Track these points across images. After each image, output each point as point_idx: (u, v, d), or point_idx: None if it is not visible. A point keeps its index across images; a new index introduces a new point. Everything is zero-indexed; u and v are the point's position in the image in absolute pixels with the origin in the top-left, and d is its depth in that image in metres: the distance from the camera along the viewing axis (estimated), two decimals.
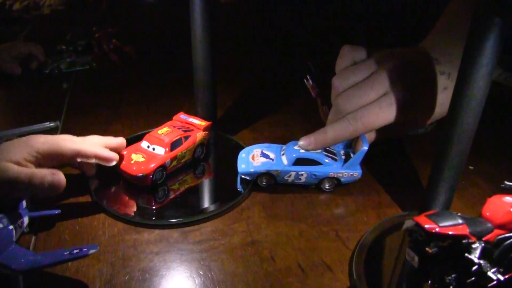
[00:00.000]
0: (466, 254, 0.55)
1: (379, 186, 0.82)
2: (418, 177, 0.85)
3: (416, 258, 0.55)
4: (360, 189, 0.81)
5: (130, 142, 0.83)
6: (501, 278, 0.56)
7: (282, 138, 0.96)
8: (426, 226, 0.53)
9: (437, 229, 0.53)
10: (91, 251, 0.59)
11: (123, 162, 0.79)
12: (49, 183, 0.67)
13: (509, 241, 0.57)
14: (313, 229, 0.72)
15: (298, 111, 1.09)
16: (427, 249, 0.54)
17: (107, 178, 0.81)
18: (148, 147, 0.81)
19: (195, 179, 0.84)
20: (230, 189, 0.80)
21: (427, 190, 0.68)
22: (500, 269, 0.57)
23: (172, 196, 0.78)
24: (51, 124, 0.99)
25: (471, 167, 0.86)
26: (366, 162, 0.80)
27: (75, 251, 0.58)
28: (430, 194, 0.67)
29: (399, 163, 0.90)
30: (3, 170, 0.64)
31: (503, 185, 0.62)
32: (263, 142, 0.88)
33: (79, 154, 0.74)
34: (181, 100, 1.09)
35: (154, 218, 0.74)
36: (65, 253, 0.59)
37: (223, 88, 1.08)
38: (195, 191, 0.81)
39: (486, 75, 0.58)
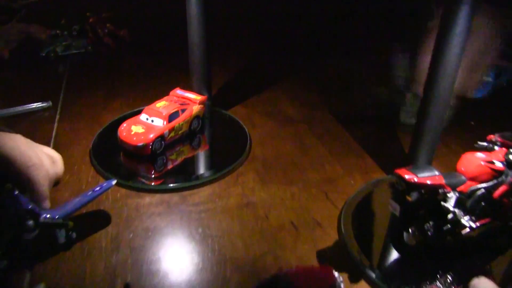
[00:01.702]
0: (443, 203, 0.61)
1: (365, 154, 0.88)
2: (402, 146, 0.90)
3: (398, 207, 0.60)
4: (348, 156, 0.87)
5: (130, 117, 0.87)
6: (473, 225, 0.62)
7: (272, 113, 1.01)
8: (406, 176, 0.59)
9: (415, 179, 0.58)
10: (113, 183, 0.67)
11: (124, 133, 0.83)
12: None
13: (480, 192, 0.62)
14: (304, 192, 0.78)
15: (287, 89, 1.14)
16: (407, 197, 0.59)
17: (109, 149, 0.86)
18: (147, 119, 0.85)
19: (192, 150, 0.89)
20: (225, 158, 0.84)
21: (409, 151, 0.73)
22: (473, 217, 0.63)
23: (170, 165, 0.83)
24: (44, 104, 1.02)
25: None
26: (354, 131, 0.85)
27: (97, 189, 0.66)
28: (412, 153, 0.73)
29: (385, 133, 0.95)
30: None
31: (476, 145, 0.67)
32: (255, 116, 0.93)
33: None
34: (177, 78, 1.13)
35: (154, 184, 0.78)
36: (89, 193, 0.65)
37: (218, 67, 1.13)
38: (192, 161, 0.86)
39: (459, 43, 0.63)
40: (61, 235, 0.62)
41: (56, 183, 0.67)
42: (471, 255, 0.66)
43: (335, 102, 1.08)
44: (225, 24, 1.63)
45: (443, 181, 0.60)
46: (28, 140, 0.64)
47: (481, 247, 0.68)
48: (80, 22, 1.44)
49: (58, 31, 1.38)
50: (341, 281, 0.47)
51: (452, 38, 0.63)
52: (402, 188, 0.60)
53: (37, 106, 1.02)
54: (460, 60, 0.64)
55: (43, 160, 0.64)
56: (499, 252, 0.67)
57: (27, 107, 1.01)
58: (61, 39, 1.34)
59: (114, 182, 0.67)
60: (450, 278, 0.62)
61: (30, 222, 0.57)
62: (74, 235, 0.63)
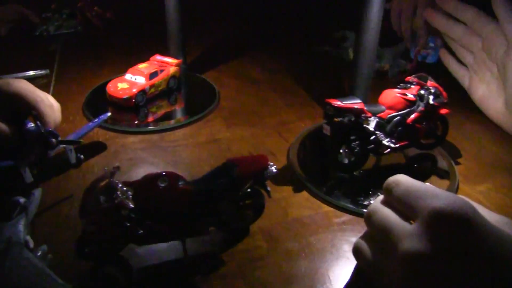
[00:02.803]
0: (365, 125, 0.77)
1: (316, 105, 1.04)
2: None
3: (328, 128, 0.77)
4: (302, 107, 1.03)
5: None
6: (393, 145, 0.78)
7: (239, 76, 1.19)
8: (333, 103, 0.75)
9: (341, 104, 0.75)
10: (107, 115, 0.86)
11: (111, 89, 1.00)
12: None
13: (396, 118, 0.79)
14: (262, 131, 0.94)
15: (254, 57, 1.31)
16: (334, 119, 0.75)
17: (99, 104, 1.02)
18: (131, 77, 1.02)
19: (170, 104, 1.05)
20: (197, 109, 1.01)
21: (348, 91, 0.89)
22: (392, 140, 0.79)
23: (151, 115, 0.99)
24: (42, 72, 1.18)
25: None
26: (309, 88, 1.02)
27: (95, 120, 0.85)
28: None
29: (333, 84, 1.14)
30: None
31: (399, 86, 0.84)
32: (225, 79, 1.10)
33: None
34: (157, 47, 1.28)
35: (137, 127, 0.94)
36: (90, 124, 0.85)
37: (195, 38, 1.31)
38: (170, 112, 1.02)
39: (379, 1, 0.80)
40: (72, 157, 0.79)
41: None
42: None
43: (296, 68, 1.25)
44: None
45: (364, 107, 0.76)
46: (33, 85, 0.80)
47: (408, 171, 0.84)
48: (69, 7, 1.58)
49: (49, 14, 1.52)
50: (273, 166, 0.63)
51: None
52: (331, 113, 0.76)
53: (36, 73, 1.16)
54: (383, 5, 0.80)
55: (49, 98, 0.80)
56: (423, 176, 0.83)
57: (26, 74, 1.15)
58: (53, 20, 1.48)
59: (109, 114, 0.84)
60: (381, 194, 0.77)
61: (53, 140, 0.73)
62: (82, 156, 0.80)
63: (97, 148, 0.87)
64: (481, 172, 0.84)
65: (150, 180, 0.58)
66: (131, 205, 0.56)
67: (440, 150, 0.87)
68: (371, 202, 0.75)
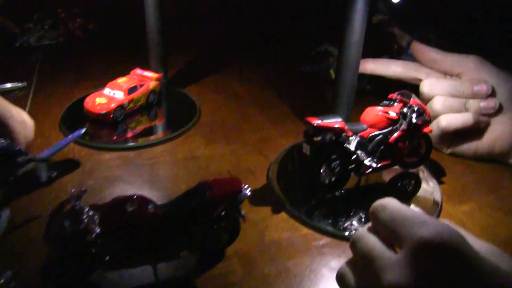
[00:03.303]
0: (346, 145, 0.75)
1: (299, 120, 1.02)
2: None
3: (308, 148, 0.74)
4: (284, 122, 1.01)
5: None
6: (374, 165, 0.76)
7: (221, 90, 1.17)
8: (313, 121, 0.73)
9: (320, 123, 0.73)
10: (82, 131, 0.82)
11: (89, 104, 0.97)
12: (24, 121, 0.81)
13: (378, 137, 0.77)
14: (242, 149, 0.92)
15: (237, 71, 1.29)
16: (314, 138, 0.73)
17: (76, 119, 0.99)
18: (110, 92, 0.99)
19: (149, 119, 1.02)
20: (177, 125, 0.99)
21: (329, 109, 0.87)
22: (374, 159, 0.77)
23: (130, 131, 0.97)
24: (19, 84, 1.15)
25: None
26: (292, 104, 1.00)
27: (69, 136, 0.81)
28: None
29: (316, 99, 1.12)
30: None
31: (381, 103, 0.82)
32: (207, 93, 1.08)
33: None
34: (138, 62, 1.26)
35: (114, 144, 0.92)
36: (62, 141, 0.81)
37: (176, 52, 1.28)
38: (149, 128, 1.00)
39: (361, 17, 0.78)
40: (44, 175, 0.76)
41: (27, 146, 0.80)
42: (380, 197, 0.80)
43: (279, 83, 1.22)
44: (186, 13, 1.76)
45: (344, 126, 0.74)
46: (6, 100, 0.77)
47: (391, 191, 0.83)
48: (51, 17, 1.56)
49: (31, 25, 1.49)
50: (247, 189, 0.61)
51: (354, 13, 0.77)
52: (311, 132, 0.74)
53: (13, 86, 1.13)
54: (365, 27, 0.78)
55: (22, 114, 0.78)
56: (406, 196, 0.81)
57: (3, 86, 1.12)
58: (34, 30, 1.45)
59: (83, 130, 0.81)
60: (363, 216, 0.76)
61: (20, 159, 0.70)
62: (54, 173, 0.77)
63: (72, 165, 0.84)
64: (465, 191, 0.82)
65: (118, 204, 0.56)
66: (97, 230, 0.54)
67: (424, 169, 0.84)
68: (352, 223, 0.75)
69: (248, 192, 0.60)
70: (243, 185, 0.60)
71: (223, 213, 0.60)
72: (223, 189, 0.59)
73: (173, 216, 0.57)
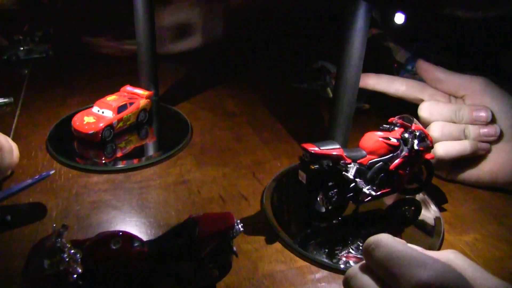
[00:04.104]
0: (344, 173, 0.72)
1: (294, 141, 0.99)
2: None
3: (304, 175, 0.71)
4: (278, 143, 0.98)
5: None
6: (374, 193, 0.73)
7: (214, 108, 1.13)
8: (310, 149, 0.70)
9: (318, 150, 0.69)
10: (51, 173, 0.74)
11: (77, 123, 0.93)
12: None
13: (378, 164, 0.74)
14: (234, 172, 0.88)
15: (231, 89, 1.25)
16: (311, 166, 0.69)
17: (64, 138, 0.96)
18: (98, 111, 0.95)
19: (139, 139, 0.99)
20: (168, 145, 0.95)
21: (326, 134, 0.84)
22: (373, 187, 0.74)
23: (119, 152, 0.93)
24: (6, 100, 1.11)
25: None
26: (286, 123, 0.97)
27: (36, 177, 0.73)
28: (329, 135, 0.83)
29: (313, 125, 1.07)
30: None
31: (381, 127, 0.79)
32: (199, 111, 1.05)
33: None
34: (128, 78, 1.22)
35: (102, 165, 0.88)
36: (28, 181, 0.73)
37: (169, 69, 1.24)
38: (139, 148, 0.96)
39: (361, 36, 0.75)
40: None
41: (11, 171, 0.79)
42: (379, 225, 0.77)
43: (274, 101, 1.19)
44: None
45: (343, 153, 0.71)
46: None
47: (390, 218, 0.80)
48: (43, 29, 1.52)
49: (20, 37, 1.45)
50: (240, 224, 0.57)
51: (354, 33, 0.74)
52: (308, 159, 0.70)
53: (0, 101, 1.09)
54: (364, 50, 0.75)
55: (9, 142, 0.74)
56: (406, 224, 0.78)
57: None
58: (23, 43, 1.41)
59: (52, 172, 0.76)
60: (360, 244, 0.72)
61: None
62: (8, 217, 0.73)
63: (57, 189, 0.81)
64: (468, 219, 0.79)
65: (102, 241, 0.52)
66: (79, 270, 0.50)
67: (425, 195, 0.81)
68: (350, 251, 0.71)
69: (241, 227, 0.57)
70: (235, 220, 0.57)
71: (214, 249, 0.57)
72: (214, 226, 0.55)
73: (160, 255, 0.53)
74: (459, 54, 1.13)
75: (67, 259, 0.51)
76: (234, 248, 0.58)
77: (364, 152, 0.73)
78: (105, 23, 1.65)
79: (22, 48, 1.38)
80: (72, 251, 0.51)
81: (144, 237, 0.59)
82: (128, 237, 0.52)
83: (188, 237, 0.54)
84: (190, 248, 0.54)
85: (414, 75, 1.17)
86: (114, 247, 0.51)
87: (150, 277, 0.53)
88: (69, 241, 0.53)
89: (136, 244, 0.53)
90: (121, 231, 0.53)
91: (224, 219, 0.57)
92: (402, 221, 0.78)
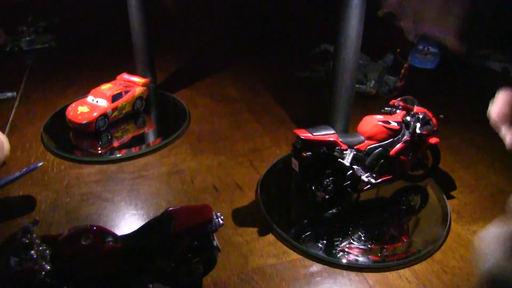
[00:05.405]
0: (340, 160, 0.67)
1: (295, 127, 0.94)
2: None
3: (297, 163, 0.67)
4: (278, 129, 0.94)
5: None
6: (373, 181, 0.69)
7: (214, 94, 1.09)
8: (302, 135, 0.65)
9: (310, 136, 0.65)
10: (39, 165, 0.72)
11: (71, 113, 0.90)
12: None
13: (377, 150, 0.69)
14: (231, 160, 0.84)
15: (231, 73, 1.21)
16: (302, 153, 0.65)
17: (59, 129, 0.93)
18: (93, 100, 0.92)
19: (136, 128, 0.96)
20: (164, 134, 0.92)
21: (327, 119, 0.79)
22: (373, 174, 0.69)
23: (115, 141, 0.90)
24: (9, 94, 1.08)
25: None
26: (287, 105, 0.94)
27: (24, 169, 0.71)
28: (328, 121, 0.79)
29: (315, 107, 1.03)
30: None
31: (382, 110, 0.74)
32: (199, 98, 1.01)
33: None
34: (127, 67, 1.19)
35: (96, 156, 0.85)
36: (16, 173, 0.70)
37: (168, 55, 1.21)
38: (135, 137, 0.93)
39: (358, 13, 0.70)
40: None
41: (2, 164, 0.76)
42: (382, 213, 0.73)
43: (275, 85, 1.14)
44: (179, 14, 1.69)
45: (338, 139, 0.66)
46: None
47: (393, 206, 0.75)
48: (46, 20, 1.49)
49: (24, 28, 1.43)
50: (220, 217, 0.53)
51: (349, 10, 0.69)
52: (300, 146, 0.66)
53: (3, 96, 1.07)
54: (361, 32, 0.70)
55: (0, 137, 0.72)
56: (411, 211, 0.74)
57: None
58: (26, 34, 1.39)
59: (40, 164, 0.73)
60: (362, 234, 0.68)
61: None
62: None
63: (49, 181, 0.78)
64: (477, 207, 0.74)
65: (72, 236, 0.49)
66: (48, 267, 0.47)
67: (432, 182, 0.76)
68: (351, 244, 0.67)
69: (220, 220, 0.53)
70: (214, 213, 0.53)
71: (195, 243, 0.53)
72: (190, 220, 0.52)
73: (134, 250, 0.49)
74: None
75: (35, 256, 0.47)
76: (216, 243, 0.55)
77: (362, 138, 0.69)
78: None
79: (24, 39, 1.35)
80: (41, 247, 0.48)
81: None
82: (100, 232, 0.49)
83: (164, 232, 0.50)
84: (166, 243, 0.50)
85: (426, 55, 1.11)
86: (84, 243, 0.48)
87: (124, 275, 0.49)
88: (39, 237, 0.50)
89: (108, 240, 0.49)
90: (95, 226, 0.50)
91: (202, 212, 0.53)
92: (406, 210, 0.73)
